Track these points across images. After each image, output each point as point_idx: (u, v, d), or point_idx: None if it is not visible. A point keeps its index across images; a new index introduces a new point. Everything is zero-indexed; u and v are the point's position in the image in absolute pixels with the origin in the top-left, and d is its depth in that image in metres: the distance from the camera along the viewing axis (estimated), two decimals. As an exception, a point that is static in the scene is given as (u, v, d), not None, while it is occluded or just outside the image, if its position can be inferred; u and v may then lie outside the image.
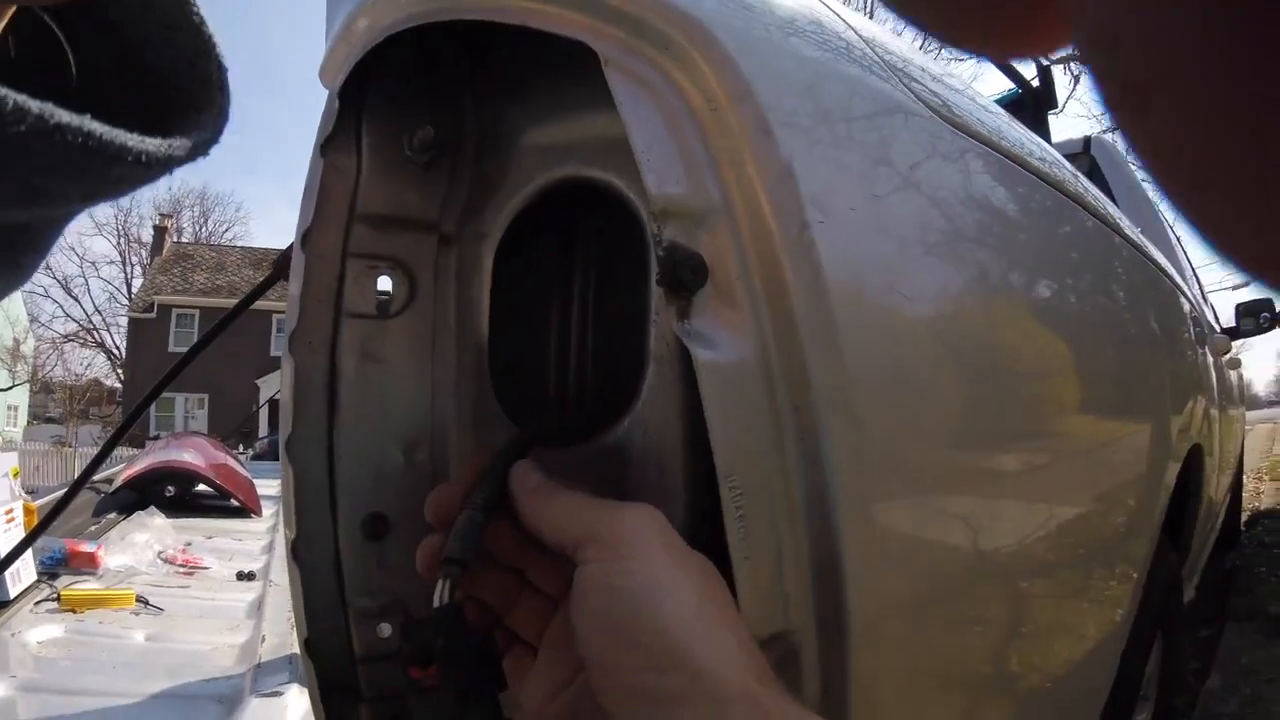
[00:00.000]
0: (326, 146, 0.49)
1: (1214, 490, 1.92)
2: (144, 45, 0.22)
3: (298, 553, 0.50)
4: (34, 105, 0.17)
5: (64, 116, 0.18)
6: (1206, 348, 1.83)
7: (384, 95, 0.49)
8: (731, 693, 0.29)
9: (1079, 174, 1.08)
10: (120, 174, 0.20)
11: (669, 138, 0.37)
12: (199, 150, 0.22)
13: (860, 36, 0.51)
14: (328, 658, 0.51)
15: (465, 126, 0.51)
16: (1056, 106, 2.34)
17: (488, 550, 0.39)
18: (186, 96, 0.22)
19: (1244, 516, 3.70)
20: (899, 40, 0.64)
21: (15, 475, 1.65)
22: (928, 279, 0.49)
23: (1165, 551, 1.23)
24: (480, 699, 0.36)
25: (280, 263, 0.59)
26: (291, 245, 0.53)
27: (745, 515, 0.35)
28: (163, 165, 0.21)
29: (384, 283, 0.51)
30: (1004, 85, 2.31)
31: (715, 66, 0.37)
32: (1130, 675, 1.07)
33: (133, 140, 0.19)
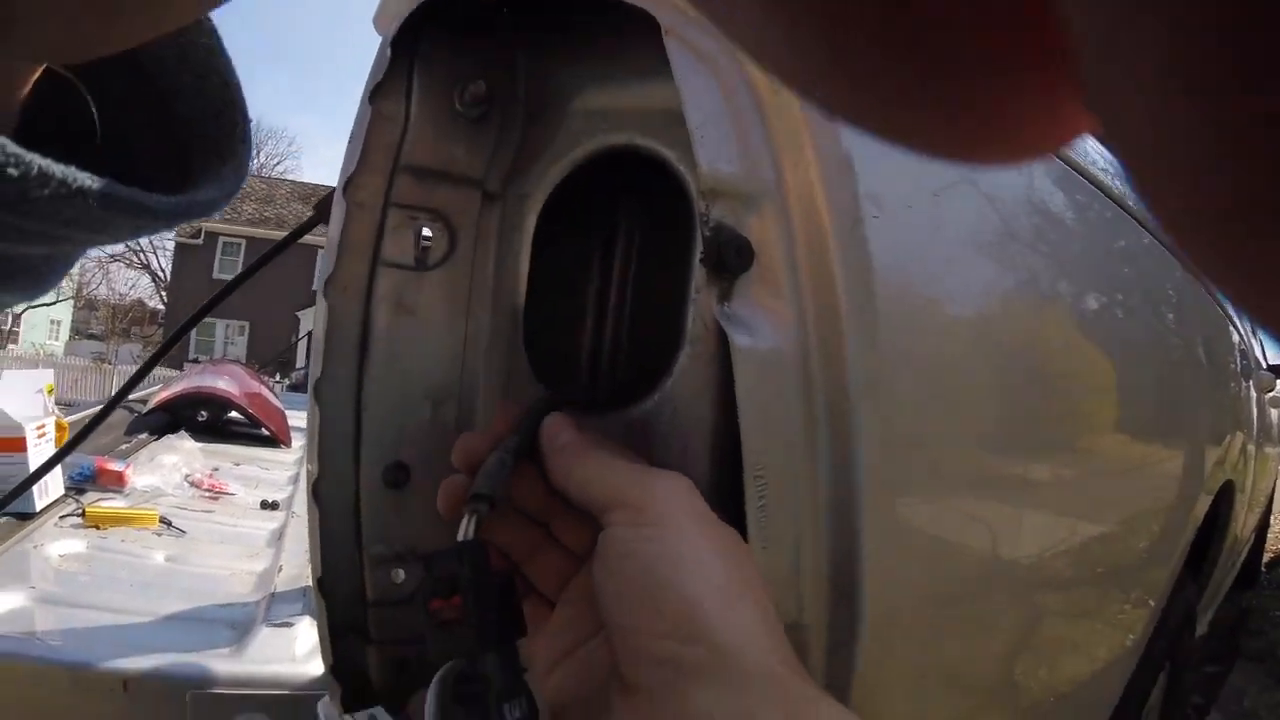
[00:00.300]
0: (376, 94, 0.48)
1: (1240, 528, 1.88)
2: (175, 95, 0.23)
3: (318, 493, 0.51)
4: (57, 170, 0.18)
5: (86, 181, 0.19)
6: (1251, 382, 1.78)
7: (438, 47, 0.49)
8: (753, 670, 0.29)
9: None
10: (140, 225, 0.21)
11: (726, 114, 0.36)
12: (216, 206, 0.23)
13: None
14: (339, 598, 0.52)
15: (518, 85, 0.50)
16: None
17: (514, 500, 0.39)
18: (211, 145, 0.23)
19: (1266, 557, 3.62)
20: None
21: (50, 392, 1.69)
22: (977, 282, 0.47)
23: (1185, 583, 1.20)
24: (500, 640, 0.35)
25: (322, 206, 0.59)
26: (334, 190, 0.53)
27: (767, 505, 0.35)
28: (180, 218, 0.22)
29: (424, 235, 0.51)
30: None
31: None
32: (1133, 702, 1.06)
33: (151, 201, 0.20)
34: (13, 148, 0.17)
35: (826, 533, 0.37)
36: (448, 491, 0.39)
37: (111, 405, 0.96)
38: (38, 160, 0.18)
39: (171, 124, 0.23)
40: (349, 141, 0.50)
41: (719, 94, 0.36)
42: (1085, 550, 0.70)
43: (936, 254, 0.43)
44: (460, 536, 0.36)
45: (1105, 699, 0.93)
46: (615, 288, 0.50)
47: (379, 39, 0.49)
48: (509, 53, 0.50)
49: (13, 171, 0.17)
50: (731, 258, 0.34)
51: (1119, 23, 0.07)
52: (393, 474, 0.51)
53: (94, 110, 0.23)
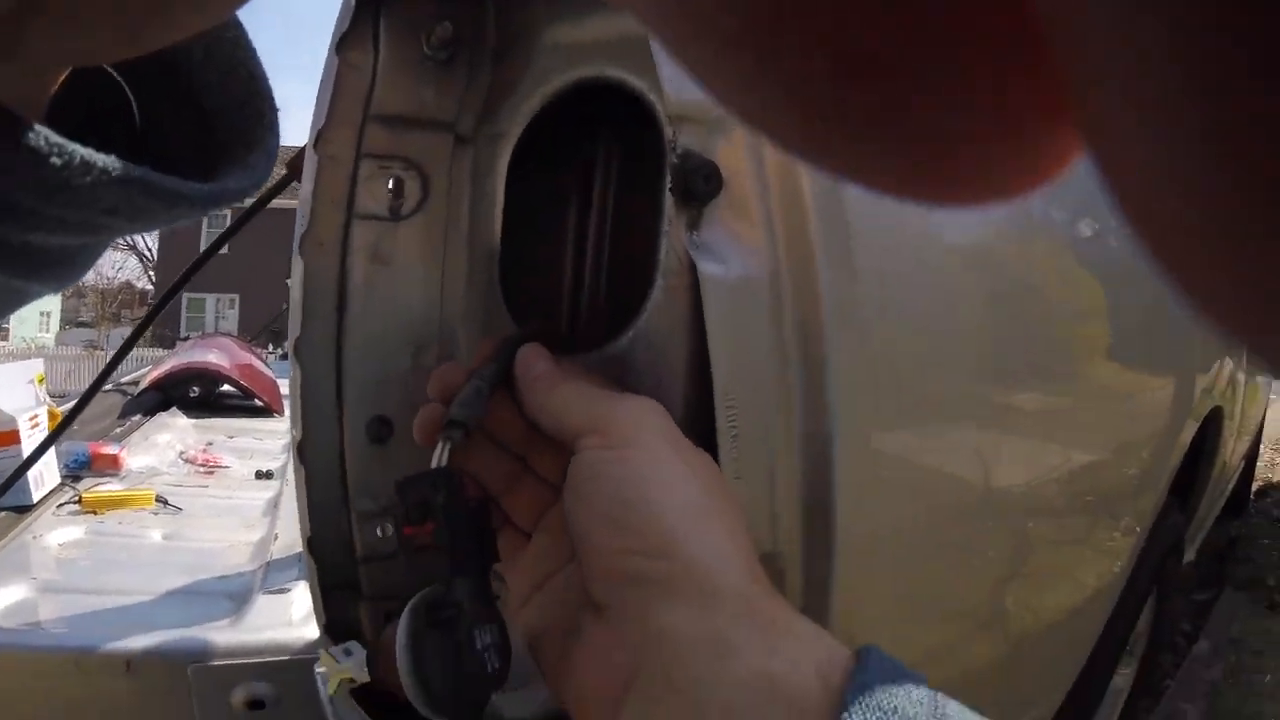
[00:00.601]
0: (342, 44, 0.47)
1: (1229, 455, 1.91)
2: (202, 90, 0.23)
3: (304, 454, 0.51)
4: (99, 159, 0.19)
5: (126, 169, 0.20)
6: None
7: None
8: (723, 588, 0.29)
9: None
10: (177, 213, 0.22)
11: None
12: (246, 193, 0.24)
13: None
14: (330, 557, 0.53)
15: (485, 23, 0.49)
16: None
17: (490, 430, 0.39)
18: (239, 135, 0.24)
19: (1255, 486, 3.68)
20: None
21: (40, 381, 1.68)
22: (953, 213, 0.47)
23: (1171, 510, 1.22)
24: (473, 567, 0.35)
25: (294, 163, 0.58)
26: (305, 146, 0.52)
27: (740, 435, 0.35)
28: (214, 204, 0.23)
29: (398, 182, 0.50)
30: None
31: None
32: (1120, 628, 1.08)
33: (187, 188, 0.21)
34: (55, 137, 0.18)
35: (800, 461, 0.37)
36: (424, 420, 0.39)
37: (92, 390, 0.95)
38: (79, 150, 0.18)
39: (200, 115, 0.24)
40: (318, 94, 0.50)
41: (683, 18, 0.35)
42: (1070, 477, 0.71)
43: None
44: (434, 463, 0.36)
45: (1091, 626, 0.95)
46: (593, 223, 0.49)
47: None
48: None
49: (56, 160, 0.18)
50: (699, 185, 0.34)
51: (1117, 23, 0.06)
52: (375, 428, 0.51)
53: (134, 103, 0.23)
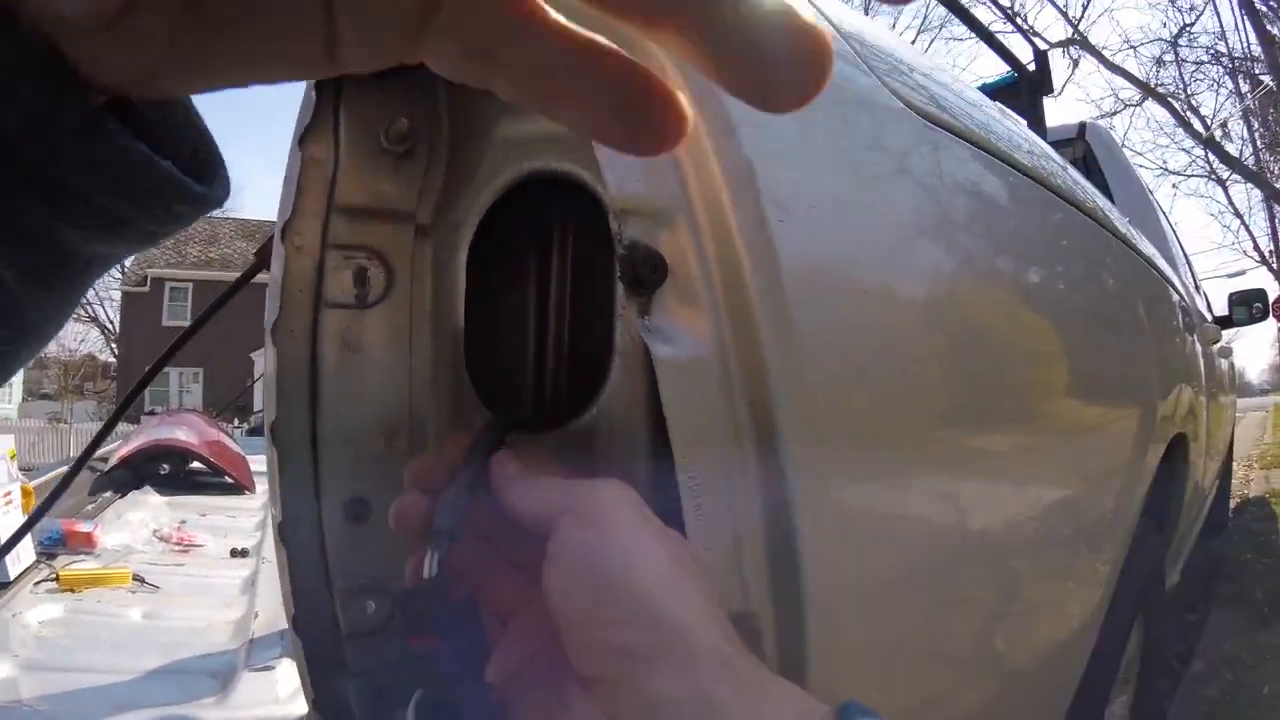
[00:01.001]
0: (305, 139, 0.49)
1: (1201, 476, 1.94)
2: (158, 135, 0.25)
3: (284, 534, 0.51)
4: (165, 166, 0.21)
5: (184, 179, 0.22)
6: (1195, 336, 1.84)
7: (360, 88, 0.50)
8: (701, 650, 0.30)
9: (1067, 165, 1.09)
10: (180, 211, 0.23)
11: (632, 136, 0.38)
12: (220, 201, 0.26)
13: (830, 23, 0.52)
14: (315, 635, 0.53)
15: (440, 118, 0.51)
16: (1053, 91, 2.33)
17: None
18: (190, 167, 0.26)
19: (1233, 503, 3.72)
20: (878, 29, 0.64)
21: (12, 457, 1.66)
22: (892, 273, 0.50)
23: (1147, 535, 1.24)
24: (474, 662, 0.37)
25: (263, 252, 0.60)
26: (272, 236, 0.54)
27: (702, 504, 0.37)
28: (205, 206, 0.24)
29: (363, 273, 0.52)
30: (1000, 69, 2.30)
31: (676, 67, 0.38)
32: (1107, 658, 1.09)
33: (189, 184, 0.23)
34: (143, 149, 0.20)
35: (763, 525, 0.38)
36: (401, 512, 0.40)
37: (78, 467, 0.95)
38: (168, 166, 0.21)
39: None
40: (283, 185, 0.51)
41: (623, 117, 0.38)
42: (1041, 514, 0.73)
43: (846, 251, 0.45)
44: (425, 572, 0.37)
45: (1078, 657, 0.95)
46: (551, 308, 0.51)
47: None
48: (430, 88, 0.52)
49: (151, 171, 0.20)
50: (647, 273, 0.36)
51: None
52: (354, 508, 0.52)
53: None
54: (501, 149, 0.49)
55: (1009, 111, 1.11)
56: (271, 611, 1.19)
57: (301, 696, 0.56)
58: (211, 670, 1.03)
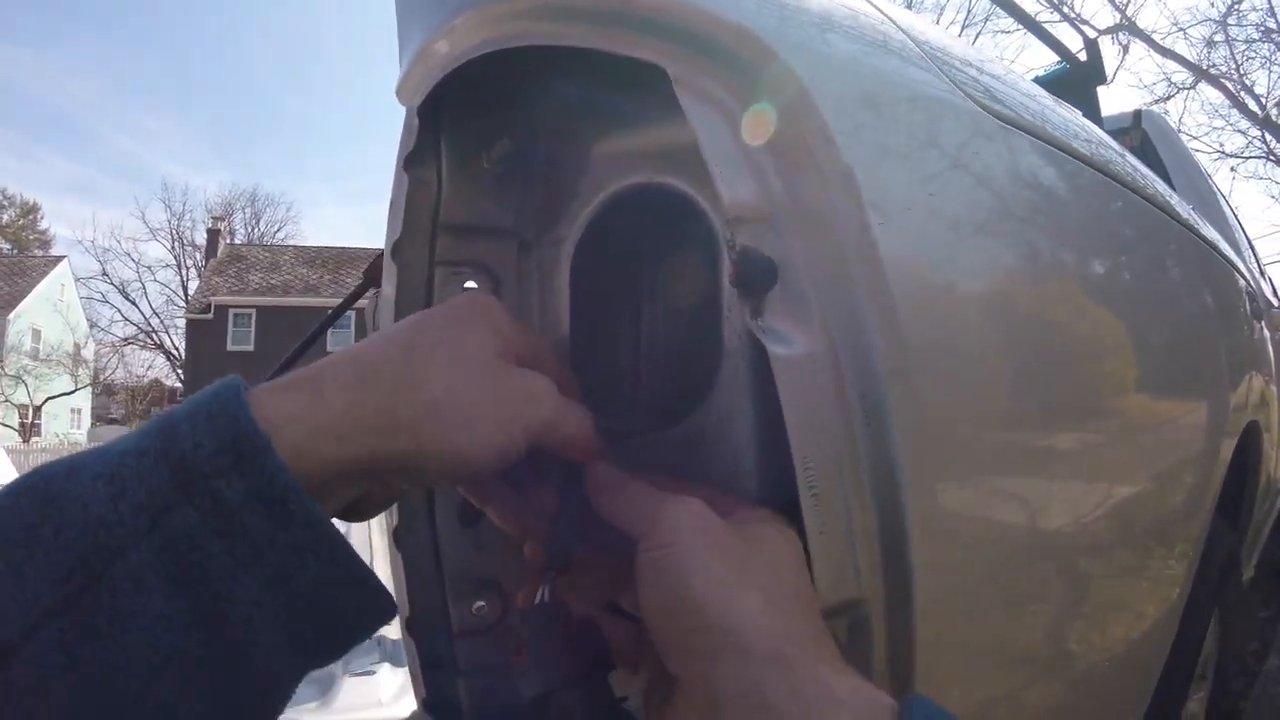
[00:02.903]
0: (409, 162, 0.52)
1: (1274, 467, 1.88)
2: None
3: (400, 538, 0.55)
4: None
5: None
6: (1264, 322, 1.79)
7: (462, 111, 0.53)
8: (754, 649, 0.34)
9: (1126, 153, 1.08)
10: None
11: (737, 149, 0.40)
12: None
13: (901, 30, 0.54)
14: (428, 635, 0.56)
15: (539, 137, 0.54)
16: (1106, 80, 2.29)
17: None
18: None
19: (1307, 494, 3.58)
20: (936, 29, 0.66)
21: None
22: (981, 267, 0.51)
23: (1221, 530, 1.22)
24: (582, 680, 0.43)
25: (371, 271, 0.64)
26: (381, 254, 0.57)
27: (819, 493, 0.39)
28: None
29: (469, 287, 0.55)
30: (1051, 59, 2.26)
31: (779, 81, 0.41)
32: (1186, 654, 1.07)
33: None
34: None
35: (875, 512, 0.40)
36: (504, 513, 0.47)
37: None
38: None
39: None
40: (390, 208, 0.54)
41: (729, 131, 0.40)
42: (1117, 510, 0.73)
43: (940, 247, 0.47)
44: (537, 599, 0.43)
45: (1155, 655, 0.94)
46: (653, 314, 0.54)
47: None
48: (530, 108, 0.55)
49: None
50: (759, 277, 0.39)
51: None
52: (465, 512, 0.55)
53: None
54: (601, 164, 0.52)
55: (1065, 104, 1.11)
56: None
57: (403, 700, 0.60)
58: (311, 677, 1.07)
